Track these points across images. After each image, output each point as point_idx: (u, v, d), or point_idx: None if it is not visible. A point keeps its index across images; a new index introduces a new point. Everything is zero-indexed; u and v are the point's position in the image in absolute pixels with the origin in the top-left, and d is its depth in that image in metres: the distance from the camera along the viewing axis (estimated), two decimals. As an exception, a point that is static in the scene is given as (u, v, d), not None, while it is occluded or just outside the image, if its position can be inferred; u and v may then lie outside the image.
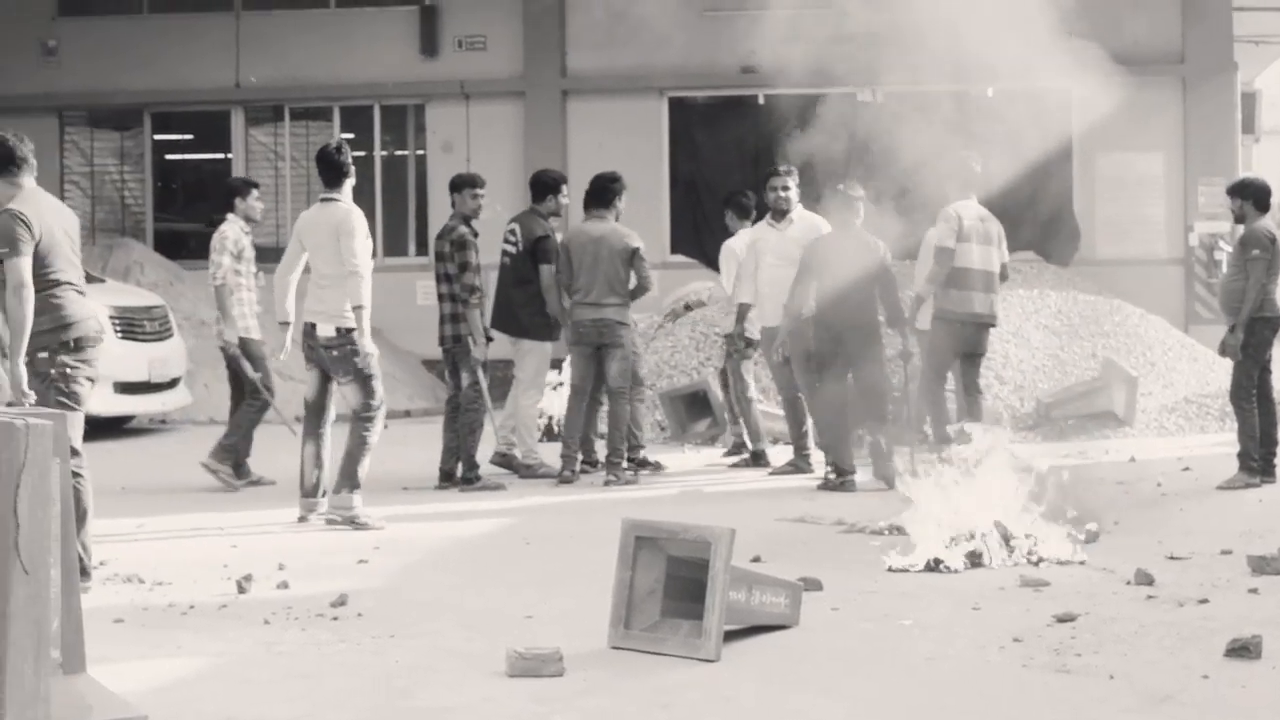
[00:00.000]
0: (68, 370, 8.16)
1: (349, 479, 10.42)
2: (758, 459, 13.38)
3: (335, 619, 7.42)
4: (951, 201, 12.38)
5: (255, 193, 12.90)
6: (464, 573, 8.71)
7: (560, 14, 21.43)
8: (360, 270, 10.37)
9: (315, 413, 10.74)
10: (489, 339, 12.34)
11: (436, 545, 9.72)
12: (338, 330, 10.44)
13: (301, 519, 10.60)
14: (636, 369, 13.21)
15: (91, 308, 8.45)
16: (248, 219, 12.67)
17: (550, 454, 12.89)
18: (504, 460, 12.89)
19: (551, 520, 10.63)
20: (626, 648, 6.67)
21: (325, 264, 10.54)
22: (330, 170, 10.65)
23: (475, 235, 12.24)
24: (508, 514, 10.99)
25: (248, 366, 12.35)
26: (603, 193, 12.66)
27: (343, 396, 10.66)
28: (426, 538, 10.00)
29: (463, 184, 12.53)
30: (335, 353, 10.48)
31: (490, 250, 12.92)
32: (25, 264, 7.97)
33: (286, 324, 11.02)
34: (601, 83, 21.30)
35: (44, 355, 8.11)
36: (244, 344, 12.39)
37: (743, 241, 13.25)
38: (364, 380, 10.47)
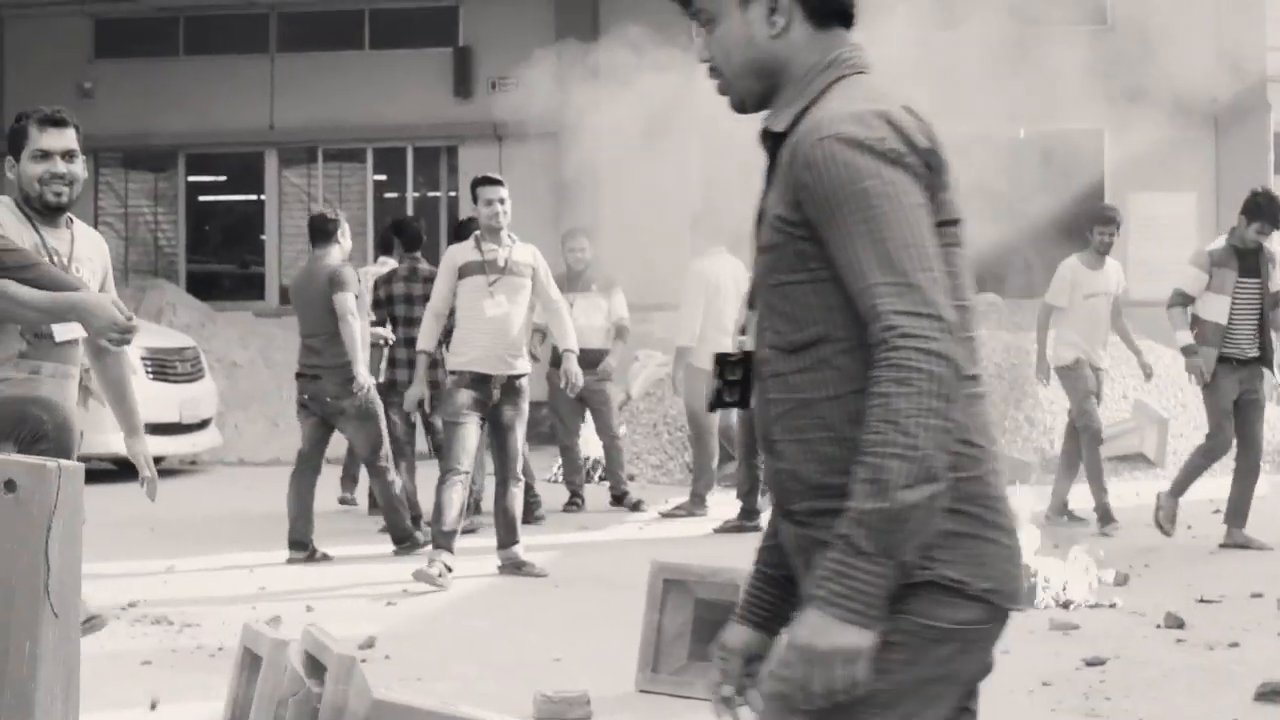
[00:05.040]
0: None
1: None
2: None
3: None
4: None
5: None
6: (492, 615, 8.70)
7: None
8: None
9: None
10: None
11: (464, 587, 9.71)
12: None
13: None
14: None
15: None
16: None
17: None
18: None
19: (580, 562, 10.61)
20: (654, 691, 6.66)
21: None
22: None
23: None
24: (535, 554, 10.94)
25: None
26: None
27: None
28: (454, 579, 9.98)
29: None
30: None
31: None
32: None
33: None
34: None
35: None
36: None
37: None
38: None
